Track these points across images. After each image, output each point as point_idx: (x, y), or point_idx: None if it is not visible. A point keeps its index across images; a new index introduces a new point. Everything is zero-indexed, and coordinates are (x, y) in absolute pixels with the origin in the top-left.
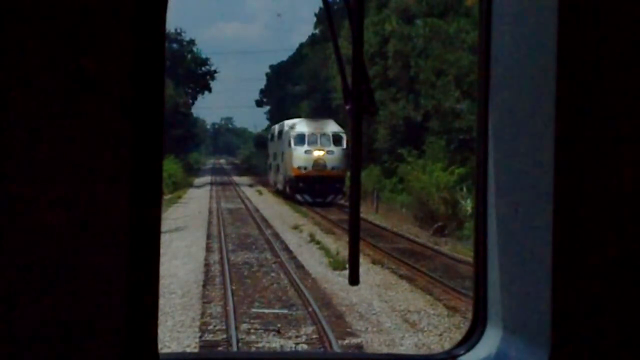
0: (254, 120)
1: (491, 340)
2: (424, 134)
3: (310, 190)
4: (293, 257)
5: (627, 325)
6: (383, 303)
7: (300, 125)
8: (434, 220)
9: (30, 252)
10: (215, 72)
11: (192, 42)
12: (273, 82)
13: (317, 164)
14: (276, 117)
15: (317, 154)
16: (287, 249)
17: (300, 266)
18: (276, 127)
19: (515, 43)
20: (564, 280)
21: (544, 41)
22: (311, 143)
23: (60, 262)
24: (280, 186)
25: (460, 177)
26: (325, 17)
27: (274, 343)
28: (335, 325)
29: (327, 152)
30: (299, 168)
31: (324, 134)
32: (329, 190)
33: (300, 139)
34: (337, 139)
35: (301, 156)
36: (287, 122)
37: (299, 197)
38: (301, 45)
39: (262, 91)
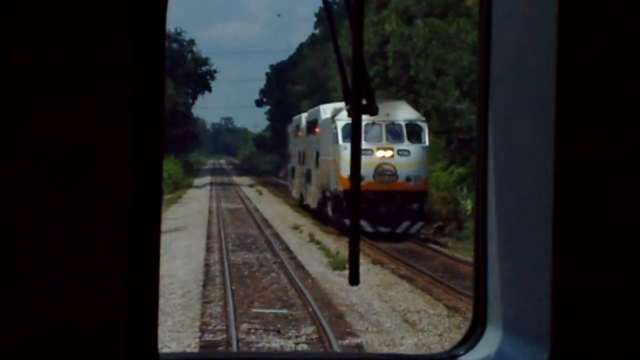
0: (254, 120)
1: (491, 340)
2: None
3: (370, 213)
4: (293, 257)
5: (626, 325)
6: (383, 303)
7: None
8: (434, 220)
9: (30, 252)
10: (215, 72)
11: (192, 42)
12: (273, 82)
13: (382, 171)
14: (276, 117)
15: (382, 154)
16: (287, 249)
17: (300, 266)
18: (303, 117)
19: (515, 43)
20: (564, 280)
21: (544, 40)
22: (372, 138)
23: (60, 262)
24: (312, 203)
25: (460, 177)
26: (325, 17)
27: (274, 343)
28: (335, 325)
29: (399, 152)
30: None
31: (392, 123)
32: (402, 214)
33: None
34: (413, 131)
35: None
36: (326, 107)
37: (349, 223)
38: (301, 45)
39: (262, 91)
